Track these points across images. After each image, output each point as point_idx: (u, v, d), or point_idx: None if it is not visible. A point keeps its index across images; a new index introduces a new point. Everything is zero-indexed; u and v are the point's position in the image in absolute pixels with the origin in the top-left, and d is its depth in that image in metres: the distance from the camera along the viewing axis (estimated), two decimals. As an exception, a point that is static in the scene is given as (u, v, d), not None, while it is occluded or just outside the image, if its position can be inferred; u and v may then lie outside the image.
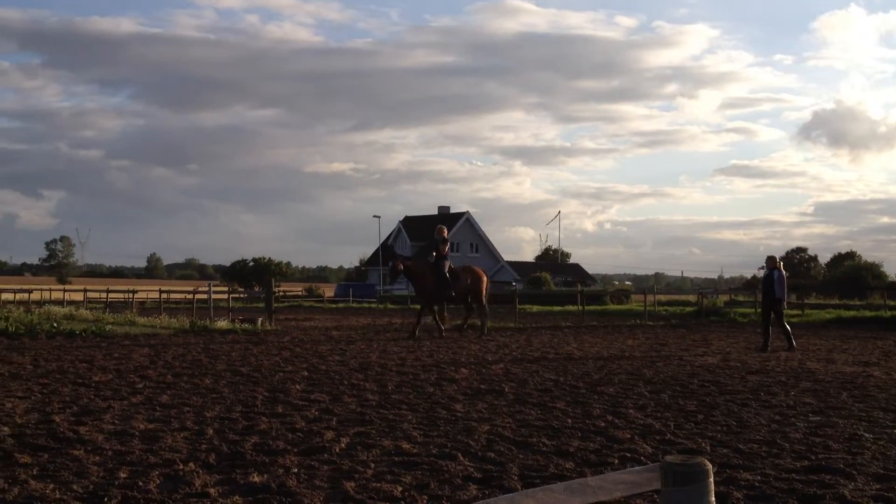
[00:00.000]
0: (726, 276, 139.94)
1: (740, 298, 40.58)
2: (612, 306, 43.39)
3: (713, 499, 2.39)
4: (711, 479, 2.40)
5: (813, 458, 7.21)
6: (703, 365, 14.78)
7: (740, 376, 13.08)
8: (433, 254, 21.99)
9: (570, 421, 8.96)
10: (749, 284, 62.53)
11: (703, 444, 7.77)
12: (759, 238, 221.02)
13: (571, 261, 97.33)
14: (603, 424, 8.76)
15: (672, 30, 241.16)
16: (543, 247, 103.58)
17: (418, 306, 23.91)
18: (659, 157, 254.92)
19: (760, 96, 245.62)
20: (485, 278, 23.09)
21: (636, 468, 2.49)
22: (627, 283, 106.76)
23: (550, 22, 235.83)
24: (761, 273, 18.87)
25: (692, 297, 44.25)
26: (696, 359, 15.93)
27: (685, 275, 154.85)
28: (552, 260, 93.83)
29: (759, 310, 19.57)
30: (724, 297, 42.46)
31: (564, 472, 6.64)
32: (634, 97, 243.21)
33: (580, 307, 34.83)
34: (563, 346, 19.03)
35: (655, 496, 5.56)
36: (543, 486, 2.58)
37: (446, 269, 21.57)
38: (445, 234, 22.22)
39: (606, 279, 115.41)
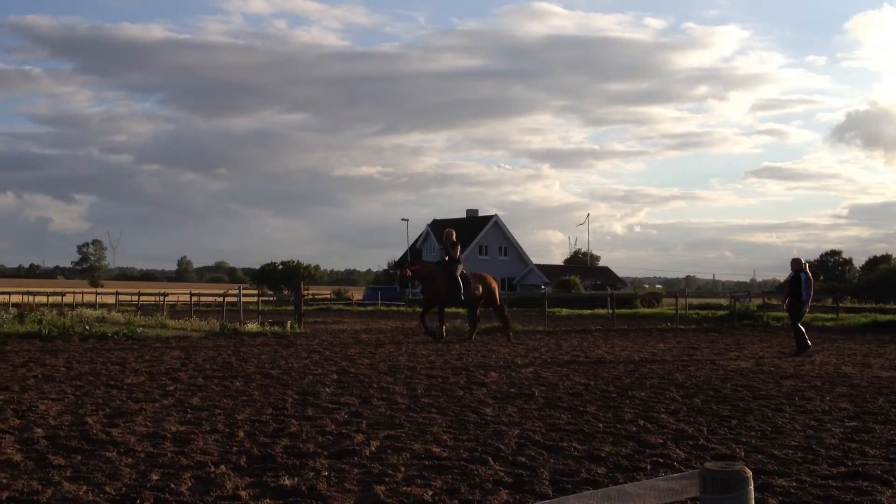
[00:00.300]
0: (759, 279, 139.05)
1: (773, 302, 40.18)
2: (642, 310, 43.12)
3: (753, 506, 2.34)
4: (751, 487, 2.35)
5: (849, 464, 7.10)
6: (736, 369, 14.63)
7: (774, 381, 12.93)
8: (445, 257, 21.71)
9: (601, 425, 8.89)
10: (782, 287, 61.94)
11: (738, 450, 7.68)
12: (792, 241, 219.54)
13: (601, 264, 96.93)
14: (635, 429, 8.69)
15: (702, 31, 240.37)
16: (573, 250, 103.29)
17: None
18: (689, 160, 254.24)
19: (793, 98, 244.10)
20: (495, 284, 22.77)
21: (675, 475, 2.45)
22: (658, 286, 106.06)
23: (578, 24, 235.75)
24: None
25: (724, 301, 43.88)
26: (729, 363, 15.78)
27: (717, 278, 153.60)
28: (581, 263, 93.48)
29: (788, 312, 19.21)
30: (757, 301, 42.06)
31: (596, 478, 6.58)
32: (664, 99, 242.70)
33: (610, 310, 34.65)
34: (593, 349, 18.93)
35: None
36: (579, 493, 2.54)
37: (458, 273, 21.29)
38: (454, 238, 21.77)
39: (636, 282, 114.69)
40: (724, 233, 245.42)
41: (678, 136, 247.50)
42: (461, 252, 21.92)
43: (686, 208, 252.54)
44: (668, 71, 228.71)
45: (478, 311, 22.45)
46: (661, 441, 8.06)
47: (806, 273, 18.10)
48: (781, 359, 16.71)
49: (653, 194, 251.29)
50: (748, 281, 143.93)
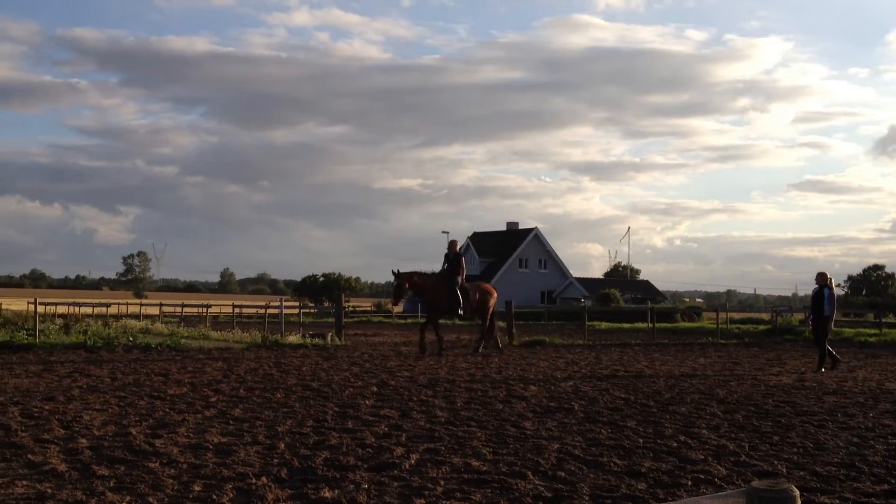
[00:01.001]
0: (801, 293, 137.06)
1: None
2: (683, 324, 42.74)
3: (798, 525, 2.33)
4: (798, 506, 2.34)
5: (893, 481, 6.99)
6: (777, 385, 14.46)
7: (816, 397, 12.77)
8: (444, 266, 21.21)
9: (641, 441, 8.84)
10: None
11: (780, 467, 7.59)
12: (834, 255, 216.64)
13: (641, 277, 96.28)
14: (675, 445, 8.62)
15: (744, 43, 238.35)
16: (612, 263, 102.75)
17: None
18: (731, 173, 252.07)
19: (835, 110, 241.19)
20: (494, 294, 22.37)
21: (721, 493, 2.44)
22: (699, 300, 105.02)
23: (619, 36, 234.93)
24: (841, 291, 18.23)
25: (766, 315, 43.38)
26: (771, 378, 15.60)
27: (758, 292, 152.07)
28: (621, 276, 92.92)
29: (811, 328, 18.47)
30: (799, 316, 41.48)
31: (636, 493, 6.54)
32: (705, 111, 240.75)
33: (650, 324, 34.38)
34: (633, 363, 18.81)
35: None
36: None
37: (458, 286, 20.87)
38: (458, 249, 21.59)
39: (677, 296, 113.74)
40: (765, 246, 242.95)
41: (719, 149, 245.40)
42: (465, 264, 21.65)
43: (727, 222, 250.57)
44: (710, 83, 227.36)
45: (489, 321, 22.01)
46: (703, 457, 7.99)
47: (830, 288, 17.70)
48: (823, 374, 16.48)
49: (693, 207, 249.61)
50: (790, 295, 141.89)
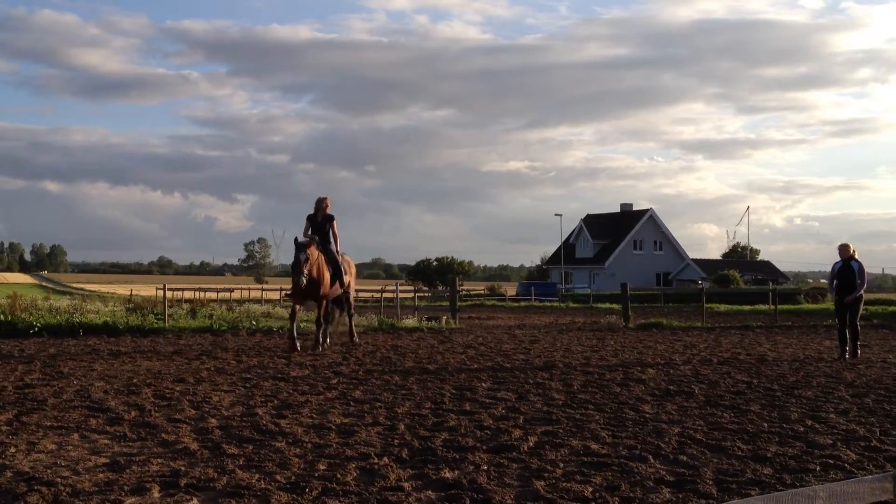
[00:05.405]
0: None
1: (950, 297, 37.76)
2: (806, 305, 41.41)
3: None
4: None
5: None
6: (910, 368, 13.88)
7: (953, 381, 12.19)
8: (307, 231, 16.61)
9: (765, 425, 8.62)
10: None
11: (914, 453, 7.30)
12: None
13: (760, 258, 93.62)
14: (802, 429, 8.38)
15: (862, 10, 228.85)
16: (730, 243, 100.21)
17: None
18: (854, 147, 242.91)
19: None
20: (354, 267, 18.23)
21: (867, 477, 2.37)
22: (823, 280, 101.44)
23: (729, 7, 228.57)
24: None
25: (895, 296, 41.57)
26: (903, 361, 14.97)
27: (886, 272, 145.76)
28: (740, 257, 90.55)
29: (832, 306, 15.84)
30: (932, 296, 39.67)
31: (762, 479, 6.39)
32: (824, 84, 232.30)
33: (772, 306, 33.41)
34: (754, 346, 18.34)
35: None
36: (771, 493, 2.49)
37: (339, 257, 16.88)
38: (328, 209, 16.69)
39: (799, 277, 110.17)
40: (893, 224, 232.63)
41: (840, 123, 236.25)
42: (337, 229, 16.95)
43: (851, 199, 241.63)
44: (827, 53, 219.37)
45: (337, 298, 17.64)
46: (831, 442, 7.74)
47: (858, 261, 15.65)
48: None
49: (814, 184, 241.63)
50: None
